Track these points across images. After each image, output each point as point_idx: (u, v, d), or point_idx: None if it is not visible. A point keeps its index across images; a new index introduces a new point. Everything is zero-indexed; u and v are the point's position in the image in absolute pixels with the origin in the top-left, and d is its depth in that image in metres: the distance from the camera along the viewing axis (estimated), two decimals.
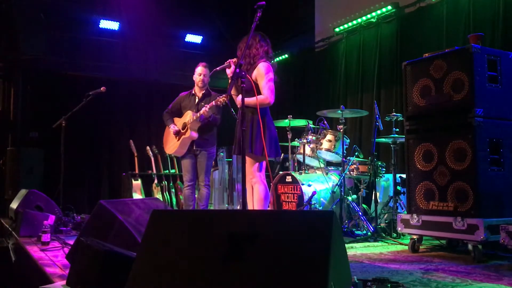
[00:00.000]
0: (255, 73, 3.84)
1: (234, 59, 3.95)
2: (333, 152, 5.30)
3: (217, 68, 3.95)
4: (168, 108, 5.21)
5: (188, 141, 4.89)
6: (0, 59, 7.58)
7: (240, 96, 3.81)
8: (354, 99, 6.94)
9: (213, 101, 4.54)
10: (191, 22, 9.03)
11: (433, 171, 3.62)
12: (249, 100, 3.73)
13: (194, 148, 4.93)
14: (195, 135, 4.86)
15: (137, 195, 7.33)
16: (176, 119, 5.10)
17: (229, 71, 3.97)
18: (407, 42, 6.11)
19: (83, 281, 2.17)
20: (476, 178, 3.32)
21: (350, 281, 2.01)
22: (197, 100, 5.06)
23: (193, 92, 5.13)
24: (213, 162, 7.14)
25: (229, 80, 4.10)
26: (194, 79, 5.10)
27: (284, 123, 5.77)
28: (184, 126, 4.91)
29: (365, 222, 4.67)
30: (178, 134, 4.95)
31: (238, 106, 3.96)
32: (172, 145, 5.02)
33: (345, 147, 5.10)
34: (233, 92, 3.99)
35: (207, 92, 5.07)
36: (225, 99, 4.35)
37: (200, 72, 5.04)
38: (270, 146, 3.86)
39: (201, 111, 4.70)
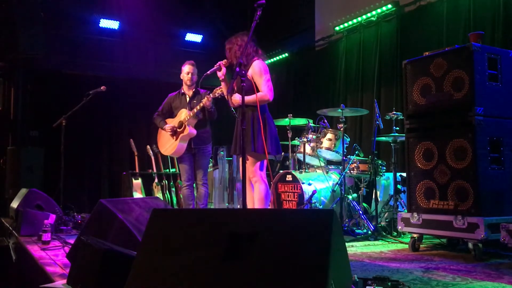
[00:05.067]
0: (250, 72, 3.84)
1: (224, 61, 3.96)
2: (333, 151, 5.30)
3: (208, 72, 3.95)
4: (158, 110, 5.13)
5: (187, 138, 4.85)
6: (0, 58, 7.58)
7: (236, 95, 3.83)
8: (354, 97, 6.93)
9: (211, 94, 4.52)
10: (191, 21, 9.03)
11: (433, 169, 3.62)
12: (248, 98, 3.74)
13: (192, 146, 4.91)
14: (194, 131, 4.83)
15: (137, 194, 7.33)
16: (168, 120, 5.04)
17: (220, 74, 3.98)
18: (407, 41, 6.11)
19: (83, 280, 2.17)
20: (476, 177, 3.32)
21: (351, 280, 2.01)
22: (188, 98, 5.01)
23: (182, 91, 5.07)
24: (213, 161, 7.16)
25: (222, 83, 4.13)
26: (181, 77, 5.04)
27: (284, 122, 5.77)
28: (181, 124, 4.88)
29: (365, 221, 4.68)
30: (175, 133, 4.92)
31: (236, 105, 3.96)
32: (170, 146, 4.95)
33: (345, 145, 5.10)
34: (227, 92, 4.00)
35: (196, 90, 5.04)
36: (221, 90, 4.34)
37: (188, 71, 4.98)
38: (271, 143, 3.86)
39: (203, 101, 4.63)
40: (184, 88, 5.05)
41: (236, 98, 3.84)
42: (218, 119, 5.06)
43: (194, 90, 5.02)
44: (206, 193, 4.98)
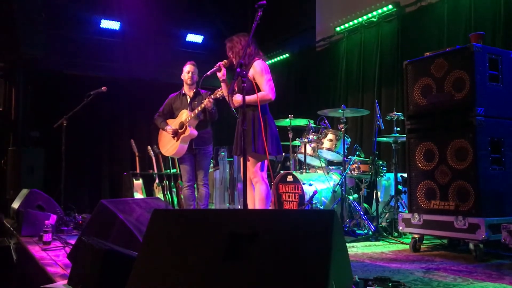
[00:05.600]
0: (251, 72, 3.85)
1: (224, 61, 3.97)
2: (334, 152, 5.29)
3: (208, 73, 3.98)
4: (159, 111, 5.15)
5: (188, 139, 4.87)
6: (1, 59, 7.59)
7: (238, 95, 3.83)
8: (355, 98, 6.94)
9: (212, 95, 4.53)
10: (192, 22, 9.04)
11: (434, 170, 3.62)
12: (250, 98, 3.74)
13: (193, 147, 4.92)
14: (195, 132, 4.84)
15: (138, 195, 7.34)
16: (169, 121, 5.05)
17: (220, 74, 3.99)
18: (408, 41, 6.11)
19: (84, 280, 2.17)
20: (477, 177, 3.32)
21: (351, 281, 2.01)
22: (189, 99, 5.03)
23: (183, 92, 5.09)
24: (214, 162, 7.16)
25: (222, 83, 4.14)
26: (182, 77, 5.06)
27: (285, 122, 5.77)
28: (182, 125, 4.88)
29: (366, 222, 4.67)
30: (176, 134, 4.92)
31: (237, 105, 3.96)
32: (171, 147, 4.96)
33: (346, 146, 5.10)
34: (227, 93, 4.00)
35: (197, 91, 5.05)
36: (222, 92, 4.34)
37: (188, 70, 5.02)
38: (272, 144, 3.86)
39: (204, 102, 4.64)
40: (185, 89, 5.07)
41: (238, 98, 3.84)
42: (219, 119, 5.06)
43: (194, 90, 5.04)
44: (207, 194, 4.98)
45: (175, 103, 5.10)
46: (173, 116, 5.07)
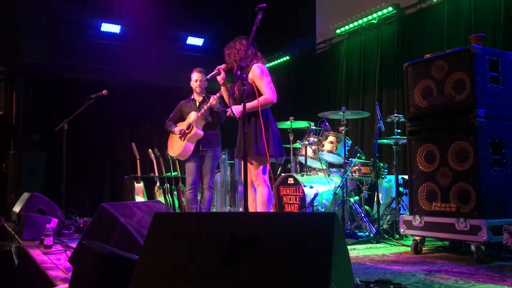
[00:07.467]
0: (250, 75, 3.84)
1: (223, 65, 3.96)
2: (335, 154, 5.29)
3: (207, 77, 4.01)
4: (170, 117, 5.22)
5: (194, 139, 4.89)
6: (2, 62, 7.61)
7: (236, 107, 3.82)
8: (355, 100, 6.94)
9: (217, 94, 4.55)
10: (193, 25, 9.05)
11: (435, 172, 3.62)
12: (251, 105, 3.73)
13: (201, 148, 4.94)
14: (201, 132, 4.87)
15: (139, 198, 7.34)
16: (179, 124, 5.10)
17: (219, 78, 3.99)
18: (408, 43, 6.11)
19: (85, 284, 2.17)
20: (478, 179, 3.31)
21: (353, 283, 2.01)
22: (198, 103, 5.09)
23: (192, 97, 5.17)
24: None
25: (221, 87, 4.14)
26: (191, 85, 5.13)
27: (286, 125, 5.77)
28: (189, 126, 4.93)
29: (367, 224, 4.67)
30: (183, 134, 4.96)
31: (238, 116, 3.92)
32: (177, 147, 4.99)
33: (347, 148, 5.10)
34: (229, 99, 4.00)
35: (206, 95, 5.09)
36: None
37: (196, 78, 5.07)
38: (274, 145, 3.85)
39: (210, 101, 4.69)
40: (195, 95, 5.16)
41: (236, 109, 3.79)
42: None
43: (204, 95, 5.10)
44: (211, 198, 5.00)
45: (184, 108, 5.17)
46: (183, 121, 5.12)
